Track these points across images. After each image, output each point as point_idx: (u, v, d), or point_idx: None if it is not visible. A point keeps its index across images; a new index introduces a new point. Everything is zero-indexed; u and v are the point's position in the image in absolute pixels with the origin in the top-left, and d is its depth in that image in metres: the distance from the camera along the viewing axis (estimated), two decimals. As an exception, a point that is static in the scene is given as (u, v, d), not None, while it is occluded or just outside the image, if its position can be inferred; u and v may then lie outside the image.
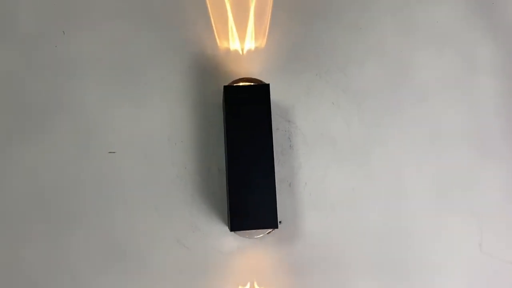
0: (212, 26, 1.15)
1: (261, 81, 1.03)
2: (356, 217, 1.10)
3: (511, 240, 1.12)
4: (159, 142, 1.11)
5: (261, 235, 1.07)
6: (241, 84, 0.99)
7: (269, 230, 1.06)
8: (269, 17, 1.16)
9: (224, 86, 0.98)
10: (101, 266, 1.06)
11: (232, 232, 1.07)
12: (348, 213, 1.10)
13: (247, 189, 0.95)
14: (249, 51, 1.15)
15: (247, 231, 1.02)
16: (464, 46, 1.18)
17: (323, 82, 1.15)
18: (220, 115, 1.12)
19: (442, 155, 1.13)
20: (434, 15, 1.19)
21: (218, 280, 1.07)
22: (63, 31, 1.14)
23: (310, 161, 1.12)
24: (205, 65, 1.14)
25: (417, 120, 1.14)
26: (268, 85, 0.99)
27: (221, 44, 1.15)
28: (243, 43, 1.15)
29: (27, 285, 1.05)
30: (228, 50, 1.15)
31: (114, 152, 1.10)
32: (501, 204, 1.13)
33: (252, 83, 1.01)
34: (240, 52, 1.15)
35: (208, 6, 1.16)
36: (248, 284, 1.07)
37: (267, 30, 1.16)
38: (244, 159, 0.96)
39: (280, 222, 1.07)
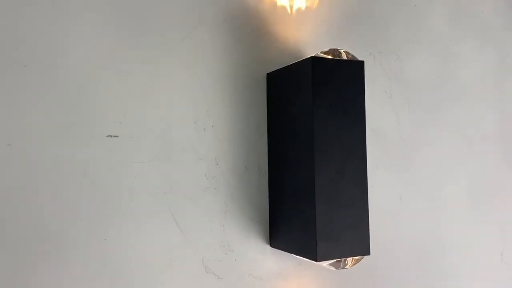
0: (257, -31, 0.83)
1: (340, 53, 0.76)
2: (401, 231, 0.94)
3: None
4: (181, 126, 0.76)
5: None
6: (330, 57, 0.71)
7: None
8: (323, -28, 0.90)
9: (312, 57, 0.69)
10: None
11: (274, 253, 0.81)
12: (394, 226, 0.94)
13: (336, 203, 0.70)
14: (298, 11, 0.87)
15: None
16: (502, 44, 1.09)
17: (377, 65, 0.94)
18: (263, 94, 0.82)
19: (475, 163, 1.04)
20: (479, 6, 1.07)
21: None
22: None
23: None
24: (245, 21, 0.82)
25: (455, 123, 1.02)
26: (362, 63, 0.74)
27: (267, -4, 0.84)
28: (292, 0, 0.86)
29: None
30: (274, 5, 0.85)
31: (115, 136, 0.71)
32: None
33: (338, 58, 0.73)
34: (289, 10, 0.86)
35: None
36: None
37: (320, -12, 0.89)
38: (333, 160, 0.70)
39: None
